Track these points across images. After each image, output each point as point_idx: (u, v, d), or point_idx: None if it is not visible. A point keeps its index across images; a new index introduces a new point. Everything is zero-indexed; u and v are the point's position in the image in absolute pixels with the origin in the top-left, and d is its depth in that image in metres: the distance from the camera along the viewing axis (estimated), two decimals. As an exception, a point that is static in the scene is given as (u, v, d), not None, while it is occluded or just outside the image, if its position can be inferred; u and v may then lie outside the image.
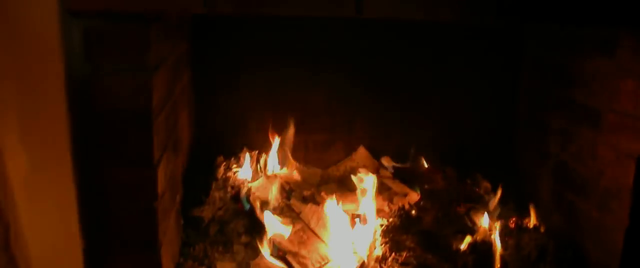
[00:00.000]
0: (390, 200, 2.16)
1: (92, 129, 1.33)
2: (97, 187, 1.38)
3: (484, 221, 1.99)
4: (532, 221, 2.07)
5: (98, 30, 1.28)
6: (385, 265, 1.83)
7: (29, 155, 1.02)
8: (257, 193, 2.05)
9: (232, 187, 2.08)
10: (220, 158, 2.29)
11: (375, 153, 2.49)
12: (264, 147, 2.31)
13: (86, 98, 1.31)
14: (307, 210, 2.00)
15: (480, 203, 2.14)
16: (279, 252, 1.85)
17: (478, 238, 1.93)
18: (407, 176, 2.33)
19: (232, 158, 2.28)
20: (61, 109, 1.24)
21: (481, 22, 1.57)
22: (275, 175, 2.19)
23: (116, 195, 1.40)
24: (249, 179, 2.17)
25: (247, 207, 2.02)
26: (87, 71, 1.30)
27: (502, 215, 2.07)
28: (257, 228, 1.93)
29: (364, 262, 1.84)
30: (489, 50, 2.38)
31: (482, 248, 1.89)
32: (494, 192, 2.20)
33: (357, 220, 1.99)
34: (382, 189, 2.21)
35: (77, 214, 1.32)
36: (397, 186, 2.26)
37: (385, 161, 2.46)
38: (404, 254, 1.84)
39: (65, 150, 1.26)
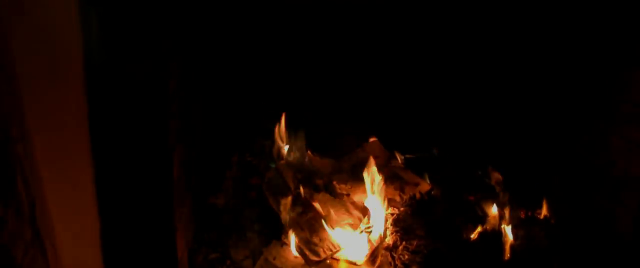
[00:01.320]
0: (402, 190, 2.17)
1: (109, 112, 1.35)
2: (114, 170, 1.40)
3: (494, 211, 2.00)
4: (543, 212, 2.08)
5: (115, 17, 1.30)
6: (395, 253, 1.85)
7: (49, 137, 1.05)
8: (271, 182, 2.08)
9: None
10: (234, 148, 2.31)
11: (387, 144, 2.50)
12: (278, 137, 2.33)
13: (103, 82, 1.33)
14: (320, 198, 2.02)
15: (491, 194, 2.14)
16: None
17: (488, 228, 1.95)
18: (418, 166, 2.34)
19: (246, 148, 2.30)
20: (80, 93, 1.26)
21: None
22: (288, 164, 2.21)
23: (133, 178, 1.42)
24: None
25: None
26: (104, 57, 1.32)
27: (512, 206, 2.08)
28: (269, 217, 1.96)
29: (374, 250, 1.85)
30: (501, 43, 2.38)
31: (492, 237, 1.90)
32: (505, 183, 2.20)
33: (368, 209, 2.01)
34: (394, 179, 2.23)
35: (94, 196, 1.35)
36: (408, 176, 2.27)
37: (397, 152, 2.47)
38: (415, 243, 1.85)
39: (83, 133, 1.28)
